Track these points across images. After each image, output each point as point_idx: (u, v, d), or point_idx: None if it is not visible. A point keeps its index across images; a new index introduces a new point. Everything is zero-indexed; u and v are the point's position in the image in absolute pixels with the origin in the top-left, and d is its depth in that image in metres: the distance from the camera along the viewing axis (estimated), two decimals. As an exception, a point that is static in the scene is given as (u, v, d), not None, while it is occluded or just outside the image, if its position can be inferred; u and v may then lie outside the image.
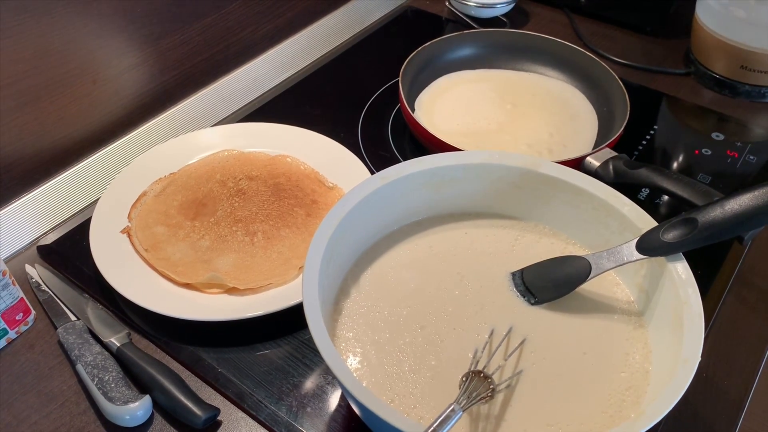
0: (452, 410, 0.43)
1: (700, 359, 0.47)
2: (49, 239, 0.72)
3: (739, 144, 0.84)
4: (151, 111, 0.85)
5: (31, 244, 0.72)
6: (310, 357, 0.61)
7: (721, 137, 0.85)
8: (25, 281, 0.68)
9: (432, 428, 0.41)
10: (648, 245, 0.53)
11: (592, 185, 0.59)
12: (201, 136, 0.80)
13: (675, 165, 0.83)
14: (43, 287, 0.67)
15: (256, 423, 0.57)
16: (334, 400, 0.58)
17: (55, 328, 0.63)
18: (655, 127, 0.87)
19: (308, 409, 0.57)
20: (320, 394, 0.59)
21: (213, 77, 0.91)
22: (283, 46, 0.98)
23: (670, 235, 0.52)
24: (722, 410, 0.59)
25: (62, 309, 0.65)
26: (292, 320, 0.62)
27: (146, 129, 0.84)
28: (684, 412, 0.58)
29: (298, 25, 1.00)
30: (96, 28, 0.74)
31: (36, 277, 0.68)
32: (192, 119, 0.87)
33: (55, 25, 0.70)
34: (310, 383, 0.59)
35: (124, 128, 0.83)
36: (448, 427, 0.42)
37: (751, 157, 0.82)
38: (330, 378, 0.60)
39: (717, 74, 0.93)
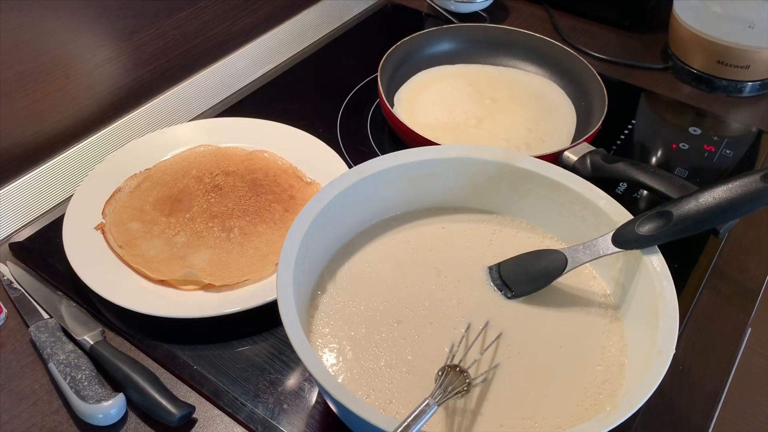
0: (427, 405, 0.43)
1: (674, 351, 0.47)
2: (22, 236, 0.71)
3: (716, 138, 0.85)
4: (126, 106, 0.84)
5: (3, 241, 0.71)
6: (287, 354, 0.61)
7: (699, 132, 0.86)
8: (-4, 279, 0.66)
9: (406, 423, 0.41)
10: (623, 238, 0.53)
11: (568, 179, 0.59)
12: (177, 132, 0.79)
13: (653, 159, 0.83)
14: (15, 285, 0.66)
15: (232, 421, 0.57)
16: (311, 396, 0.58)
17: (27, 327, 0.62)
18: (633, 121, 0.88)
19: (285, 406, 0.57)
20: (297, 391, 0.58)
21: (189, 72, 0.90)
22: (260, 41, 0.97)
23: (645, 228, 0.52)
24: (698, 403, 0.59)
25: (34, 307, 0.64)
26: (269, 317, 0.62)
27: (121, 124, 0.83)
28: (660, 405, 0.58)
29: (275, 19, 0.99)
30: (68, 21, 0.73)
31: (8, 275, 0.66)
32: (168, 114, 0.86)
33: (25, 18, 0.69)
34: (287, 380, 0.59)
35: (99, 124, 0.81)
36: (423, 421, 0.42)
37: (728, 152, 0.83)
38: (307, 374, 0.59)
39: (694, 69, 0.93)
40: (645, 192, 0.77)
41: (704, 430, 0.58)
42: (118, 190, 0.73)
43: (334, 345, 0.53)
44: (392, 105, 0.83)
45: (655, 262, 0.52)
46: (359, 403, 0.42)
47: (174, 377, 0.60)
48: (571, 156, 0.73)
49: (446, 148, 0.61)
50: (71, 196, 0.71)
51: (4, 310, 0.63)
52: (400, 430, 0.40)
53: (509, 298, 0.57)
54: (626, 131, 0.86)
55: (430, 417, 0.43)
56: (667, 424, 0.57)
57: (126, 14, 0.79)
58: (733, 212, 0.50)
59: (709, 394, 0.60)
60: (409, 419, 0.41)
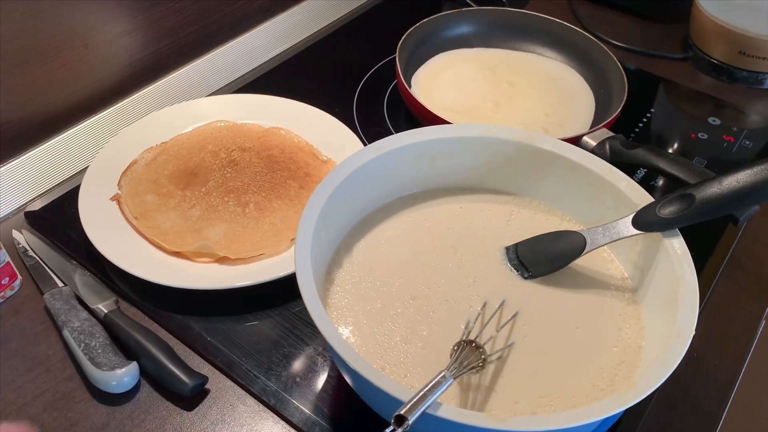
0: (443, 377, 0.43)
1: (693, 333, 0.46)
2: (37, 205, 0.71)
3: (735, 129, 0.84)
4: (144, 79, 0.83)
5: (19, 209, 0.71)
6: (300, 328, 0.61)
7: (718, 122, 0.85)
8: (12, 246, 0.66)
9: (422, 393, 0.40)
10: (644, 221, 0.53)
11: (588, 160, 0.58)
12: (194, 107, 0.79)
13: (671, 148, 0.82)
14: (30, 253, 0.66)
15: (245, 392, 0.57)
16: (324, 371, 0.58)
17: (42, 294, 0.62)
18: (652, 110, 0.87)
19: (297, 379, 0.57)
20: (310, 365, 0.58)
21: (207, 47, 0.89)
22: (278, 19, 0.96)
23: (667, 211, 0.52)
24: (712, 390, 0.59)
25: (49, 275, 0.64)
26: (282, 292, 0.62)
27: (138, 98, 0.83)
28: (675, 390, 0.58)
29: (294, -2, 0.99)
30: (88, -11, 0.73)
31: (23, 243, 0.67)
32: (185, 89, 0.86)
33: (46, -17, 0.69)
34: (300, 354, 0.59)
35: (116, 96, 0.81)
36: (439, 393, 0.41)
37: (747, 143, 0.82)
38: (320, 349, 0.59)
39: (715, 59, 0.92)
40: (662, 180, 0.76)
41: (717, 417, 0.58)
42: (134, 162, 0.73)
43: (350, 318, 0.53)
44: (410, 86, 0.83)
45: (676, 245, 0.52)
46: (376, 373, 0.42)
47: (187, 348, 0.60)
48: (590, 141, 0.72)
49: (466, 126, 0.61)
50: (87, 167, 0.71)
51: (19, 278, 0.63)
52: (415, 399, 0.40)
53: (526, 278, 0.57)
54: (644, 120, 0.85)
55: (445, 389, 0.43)
56: (681, 410, 0.57)
57: (146, -14, 0.78)
58: (755, 197, 0.50)
59: (723, 383, 0.60)
60: (425, 389, 0.41)
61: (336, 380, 0.57)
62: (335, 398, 0.56)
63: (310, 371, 0.58)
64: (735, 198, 0.50)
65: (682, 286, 0.49)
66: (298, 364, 0.58)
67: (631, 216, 0.54)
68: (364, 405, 0.51)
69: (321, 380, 0.57)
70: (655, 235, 0.53)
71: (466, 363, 0.47)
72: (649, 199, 0.55)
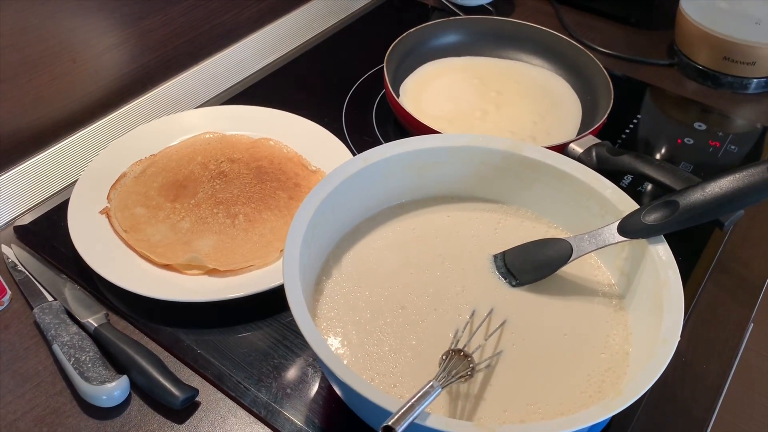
0: (431, 386, 0.43)
1: (679, 339, 0.47)
2: (26, 219, 0.71)
3: (720, 134, 0.85)
4: (132, 92, 0.84)
5: (8, 224, 0.71)
6: (290, 339, 0.61)
7: (704, 127, 0.86)
8: (1, 261, 0.67)
9: (410, 403, 0.41)
10: (629, 228, 0.53)
11: (574, 168, 0.59)
12: (183, 119, 0.79)
13: (658, 154, 0.83)
14: (20, 267, 0.66)
15: (236, 404, 0.57)
16: (314, 381, 0.58)
17: (32, 309, 0.62)
18: (639, 116, 0.88)
19: (288, 390, 0.57)
20: (301, 376, 0.58)
21: (195, 60, 0.90)
22: (267, 30, 0.97)
23: (651, 218, 0.52)
24: (700, 395, 0.59)
25: (39, 289, 0.64)
26: (272, 303, 0.62)
27: (127, 110, 0.83)
28: (663, 396, 0.58)
29: (282, 9, 0.99)
30: (75, 5, 0.73)
31: (12, 257, 0.67)
32: (173, 101, 0.86)
33: (34, 1, 0.69)
34: (290, 365, 0.59)
35: (105, 109, 0.81)
36: (427, 402, 0.42)
37: (733, 147, 0.83)
38: (311, 360, 0.59)
39: (700, 65, 0.93)
40: (649, 185, 0.77)
41: (705, 422, 0.58)
42: (123, 175, 0.73)
43: (339, 329, 0.53)
44: (398, 96, 0.83)
45: (661, 252, 0.52)
46: (364, 384, 0.43)
47: (177, 361, 0.60)
48: (577, 148, 0.73)
49: (453, 136, 0.61)
50: (76, 180, 0.71)
51: (9, 292, 0.63)
52: (403, 410, 0.40)
53: (514, 286, 0.57)
54: (631, 126, 0.86)
55: (433, 399, 0.43)
56: (669, 415, 0.58)
57: (134, 0, 0.79)
58: (738, 202, 0.50)
59: (710, 387, 0.60)
60: (413, 400, 0.41)
61: (326, 391, 0.57)
62: (326, 409, 0.56)
63: (301, 382, 0.58)
64: (718, 204, 0.50)
65: (668, 293, 0.49)
66: (288, 375, 0.58)
67: (617, 223, 0.54)
68: (355, 415, 0.51)
69: (312, 391, 0.57)
70: (641, 242, 0.53)
71: (454, 372, 0.47)
72: (634, 206, 0.55)
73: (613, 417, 0.44)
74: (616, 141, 0.83)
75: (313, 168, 0.75)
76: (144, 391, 0.56)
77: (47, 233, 0.69)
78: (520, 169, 0.61)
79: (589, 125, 0.80)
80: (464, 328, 0.53)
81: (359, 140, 0.81)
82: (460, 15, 1.03)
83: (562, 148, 0.73)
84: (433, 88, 0.86)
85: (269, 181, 0.73)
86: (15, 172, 0.74)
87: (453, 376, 0.47)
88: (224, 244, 0.67)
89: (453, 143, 0.61)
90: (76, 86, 0.77)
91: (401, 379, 0.50)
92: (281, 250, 0.66)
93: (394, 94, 0.79)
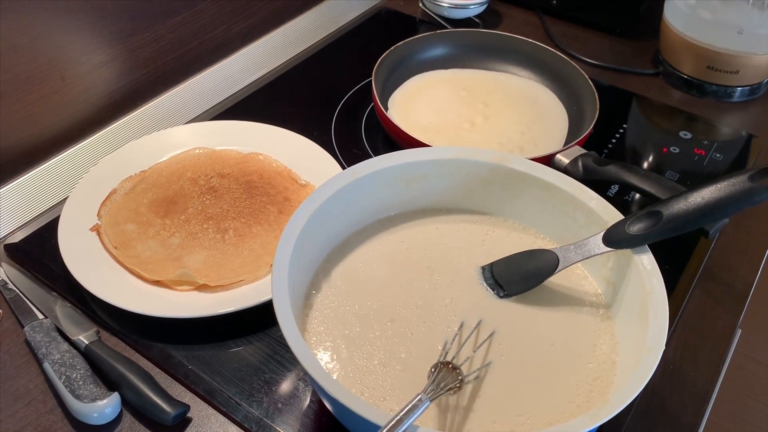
0: (419, 400, 0.43)
1: (664, 348, 0.47)
2: (17, 237, 0.71)
3: (706, 142, 0.86)
4: (122, 109, 0.84)
5: (-2, 242, 0.71)
6: (281, 353, 0.61)
7: (689, 136, 0.87)
8: (-9, 280, 0.67)
9: (398, 417, 0.41)
10: (614, 238, 0.54)
11: (559, 180, 0.59)
12: (172, 134, 0.80)
13: (644, 163, 0.84)
14: (10, 286, 0.66)
15: (227, 420, 0.57)
16: (306, 396, 0.58)
17: (22, 327, 0.62)
18: (625, 126, 0.89)
19: (279, 405, 0.57)
20: (292, 391, 0.58)
21: (185, 75, 0.90)
22: (256, 45, 0.98)
23: (636, 228, 0.53)
24: (689, 402, 0.60)
25: (29, 307, 0.64)
26: (263, 317, 0.62)
27: (116, 127, 0.83)
28: (651, 404, 0.59)
29: (271, 24, 1.00)
30: (64, 24, 0.74)
31: (2, 276, 0.67)
32: (163, 117, 0.87)
33: (21, 20, 0.70)
34: (281, 380, 0.59)
35: (94, 126, 0.82)
36: (415, 416, 0.42)
37: (718, 155, 0.84)
38: (302, 374, 0.60)
39: (685, 74, 0.95)
40: (636, 195, 0.77)
41: (695, 428, 0.58)
42: (114, 191, 0.73)
43: (329, 343, 0.54)
44: (386, 109, 0.84)
45: (646, 261, 0.53)
46: (354, 398, 0.43)
47: (168, 377, 0.60)
48: (563, 159, 0.74)
49: (440, 149, 0.62)
50: (67, 197, 0.71)
51: (-1, 311, 0.64)
52: (392, 424, 0.41)
53: (502, 297, 0.58)
54: (617, 135, 0.87)
55: (422, 412, 0.43)
56: (659, 423, 0.58)
57: (122, 17, 0.79)
58: (721, 212, 0.51)
59: (699, 394, 0.61)
60: (402, 413, 0.42)
61: (317, 405, 0.57)
62: (317, 423, 0.56)
63: (292, 397, 0.58)
64: (701, 214, 0.51)
65: (652, 302, 0.50)
66: (279, 390, 0.58)
67: (602, 233, 0.55)
68: (346, 429, 0.51)
69: (303, 405, 0.57)
70: (626, 252, 0.54)
71: (443, 384, 0.47)
72: (618, 216, 0.56)
73: (602, 426, 0.44)
74: (602, 150, 0.84)
75: (303, 182, 0.75)
76: (135, 407, 0.57)
77: (37, 251, 0.69)
78: (507, 180, 0.61)
79: (575, 135, 0.80)
80: (453, 340, 0.53)
81: (348, 153, 0.82)
82: (447, 28, 1.04)
83: (548, 159, 0.74)
84: (421, 101, 0.87)
85: (259, 195, 0.74)
86: (5, 190, 0.74)
87: (442, 389, 0.47)
88: (214, 259, 0.67)
89: (441, 156, 0.61)
90: (66, 104, 0.78)
91: (391, 392, 0.51)
92: (271, 264, 0.66)
93: (382, 108, 0.80)
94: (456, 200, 0.64)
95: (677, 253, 0.71)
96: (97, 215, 0.70)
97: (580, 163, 0.73)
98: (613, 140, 0.86)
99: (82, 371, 0.57)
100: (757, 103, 0.94)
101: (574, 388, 0.51)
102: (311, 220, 0.55)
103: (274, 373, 0.60)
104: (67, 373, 0.57)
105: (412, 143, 0.74)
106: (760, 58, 0.90)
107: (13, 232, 0.72)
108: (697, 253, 0.72)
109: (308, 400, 0.58)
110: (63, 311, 0.63)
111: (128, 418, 0.57)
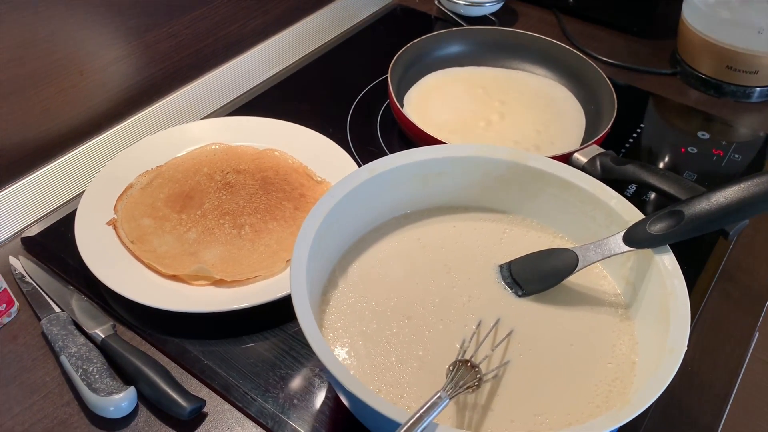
0: (439, 397, 0.43)
1: (686, 349, 0.47)
2: (34, 231, 0.71)
3: (724, 143, 0.85)
4: (138, 104, 0.84)
5: (15, 235, 0.71)
6: (297, 349, 0.61)
7: (707, 136, 0.86)
8: (8, 273, 0.67)
9: (418, 414, 0.41)
10: (635, 237, 0.54)
11: (579, 178, 0.59)
12: (189, 130, 0.80)
13: (661, 163, 0.83)
14: (27, 279, 0.66)
15: (243, 415, 0.57)
16: (321, 392, 0.58)
17: (39, 320, 0.62)
18: (642, 125, 0.88)
19: (295, 401, 0.57)
20: (308, 387, 0.58)
21: (201, 71, 0.90)
22: (271, 42, 0.98)
23: (657, 228, 0.52)
24: (707, 404, 0.59)
25: (46, 300, 0.64)
26: (279, 313, 0.62)
27: (133, 122, 0.83)
28: (669, 405, 0.58)
29: (286, 21, 1.00)
30: (82, 19, 0.74)
31: (20, 269, 0.67)
32: (179, 113, 0.87)
33: (40, 15, 0.70)
34: (297, 375, 0.59)
35: (111, 121, 0.82)
36: (435, 413, 0.42)
37: (736, 156, 0.83)
38: (317, 370, 0.60)
39: (703, 74, 0.94)
40: (653, 195, 0.77)
41: (713, 431, 0.58)
42: (130, 186, 0.73)
43: (346, 339, 0.53)
44: (402, 106, 0.84)
45: (667, 261, 0.52)
46: (372, 395, 0.43)
47: (184, 371, 0.60)
48: (581, 158, 0.73)
49: (457, 146, 0.62)
50: (83, 191, 0.71)
51: (16, 304, 0.64)
52: (412, 421, 0.40)
53: (520, 296, 0.57)
54: (634, 135, 0.86)
55: (441, 410, 0.43)
56: (677, 425, 0.58)
57: (139, 12, 0.79)
58: (744, 212, 0.50)
59: (717, 396, 0.60)
60: (421, 411, 0.41)
61: (333, 401, 0.57)
62: (333, 419, 0.56)
63: (308, 392, 0.58)
64: (723, 213, 0.51)
65: (673, 302, 0.50)
66: (295, 386, 0.58)
67: (622, 233, 0.54)
68: (362, 426, 0.51)
69: (318, 401, 0.57)
70: (647, 252, 0.54)
71: (461, 383, 0.47)
72: (639, 215, 0.56)
73: (621, 427, 0.44)
74: (619, 150, 0.83)
75: (318, 178, 0.75)
76: (151, 402, 0.57)
77: (54, 244, 0.69)
78: (525, 179, 0.61)
79: (592, 135, 0.80)
80: (471, 338, 0.53)
81: (364, 150, 0.81)
82: (463, 25, 1.03)
83: (566, 158, 0.73)
84: (437, 99, 0.87)
85: (275, 191, 0.73)
86: (22, 184, 0.74)
87: (460, 387, 0.47)
88: (231, 254, 0.67)
89: (458, 153, 0.61)
90: (83, 98, 0.78)
91: (408, 389, 0.50)
92: (287, 260, 0.66)
93: (398, 105, 0.79)
94: (473, 198, 0.64)
95: (696, 254, 0.71)
96: (114, 209, 0.70)
97: (598, 162, 0.72)
98: (630, 140, 0.85)
99: (98, 365, 0.57)
100: (777, 103, 0.93)
101: (593, 388, 0.51)
102: (329, 217, 0.55)
103: (290, 369, 0.59)
104: (84, 367, 0.57)
105: (428, 141, 0.74)
106: (780, 59, 0.89)
107: (30, 226, 0.72)
108: (716, 254, 0.71)
109: (323, 395, 0.57)
110: (79, 305, 0.63)
111: (144, 412, 0.57)
